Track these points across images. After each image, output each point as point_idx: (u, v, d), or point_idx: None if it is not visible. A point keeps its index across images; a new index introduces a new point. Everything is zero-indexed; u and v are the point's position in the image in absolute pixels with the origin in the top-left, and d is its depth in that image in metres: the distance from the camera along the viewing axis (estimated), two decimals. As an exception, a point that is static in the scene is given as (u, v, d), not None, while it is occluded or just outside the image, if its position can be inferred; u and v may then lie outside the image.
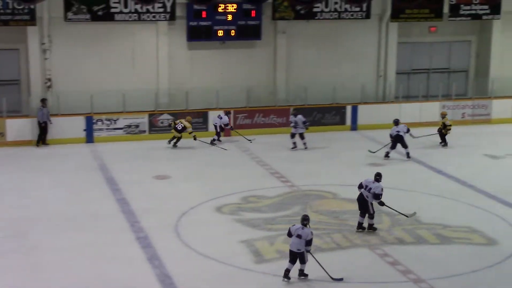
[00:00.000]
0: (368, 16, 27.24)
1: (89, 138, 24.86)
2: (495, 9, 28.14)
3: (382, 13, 27.79)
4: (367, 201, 16.44)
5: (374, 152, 23.44)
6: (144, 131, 25.43)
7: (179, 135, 24.23)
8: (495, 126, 27.61)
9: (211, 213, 17.83)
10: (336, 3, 26.57)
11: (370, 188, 16.41)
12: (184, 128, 24.15)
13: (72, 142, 24.47)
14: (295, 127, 23.96)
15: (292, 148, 23.96)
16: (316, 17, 26.75)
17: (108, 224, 16.97)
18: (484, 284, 14.16)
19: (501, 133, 26.52)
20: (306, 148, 23.93)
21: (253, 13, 26.20)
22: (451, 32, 29.29)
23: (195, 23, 25.89)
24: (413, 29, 28.71)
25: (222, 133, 25.05)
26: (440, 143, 24.68)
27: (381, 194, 16.31)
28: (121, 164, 22.27)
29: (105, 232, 16.47)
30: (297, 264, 14.09)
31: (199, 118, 25.81)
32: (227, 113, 25.27)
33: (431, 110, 27.63)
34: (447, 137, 24.56)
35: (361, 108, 27.14)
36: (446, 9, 27.90)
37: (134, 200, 18.66)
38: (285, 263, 14.23)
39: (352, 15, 27.06)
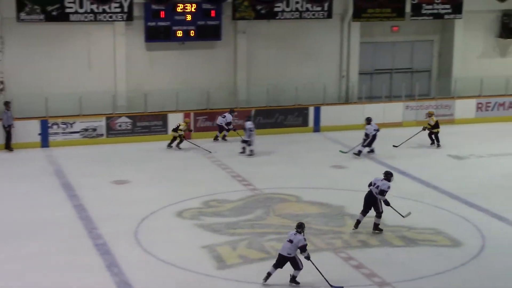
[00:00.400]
0: (329, 15, 27.39)
1: (44, 142, 24.54)
2: (457, 9, 28.51)
3: (344, 13, 27.97)
4: (377, 198, 16.69)
5: (345, 153, 23.68)
6: (102, 135, 25.20)
7: (176, 134, 24.28)
8: (459, 126, 27.96)
9: (172, 218, 17.74)
10: (297, 2, 26.66)
11: (378, 186, 16.68)
12: (178, 127, 24.33)
13: (27, 147, 24.12)
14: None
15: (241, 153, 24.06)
16: (277, 17, 26.81)
17: (64, 231, 16.77)
18: (449, 285, 14.32)
19: (464, 133, 26.87)
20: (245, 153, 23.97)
21: (212, 13, 26.15)
22: (414, 31, 29.60)
23: (153, 24, 25.75)
24: (375, 29, 28.94)
25: (223, 133, 25.36)
26: (432, 144, 25.05)
27: (386, 191, 16.58)
28: (78, 169, 22.04)
29: (62, 240, 16.26)
30: (290, 270, 14.05)
31: (158, 121, 25.67)
32: (231, 112, 25.34)
33: (394, 110, 27.88)
34: (429, 135, 25.06)
35: (324, 109, 27.28)
36: (408, 9, 28.19)
37: (91, 206, 18.47)
38: (248, 269, 14.22)
39: (313, 14, 27.18)
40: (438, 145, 24.93)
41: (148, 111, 25.73)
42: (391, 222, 17.30)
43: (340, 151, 23.88)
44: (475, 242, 16.30)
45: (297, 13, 26.91)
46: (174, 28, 25.87)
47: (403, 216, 17.08)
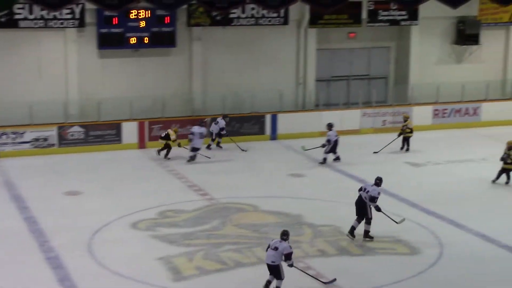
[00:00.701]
0: (286, 22, 27.54)
1: (-7, 153, 24.21)
2: (413, 15, 28.93)
3: (300, 19, 28.15)
4: (366, 204, 16.85)
5: (307, 150, 23.98)
6: (53, 145, 24.91)
7: (163, 142, 24.17)
8: (416, 133, 28.22)
9: (126, 230, 17.61)
10: (253, 9, 26.76)
11: (368, 191, 16.87)
12: (167, 136, 24.11)
13: (-25, 158, 23.76)
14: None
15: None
16: (233, 23, 26.88)
17: (14, 244, 16.53)
18: (407, 294, 14.50)
19: (421, 140, 27.16)
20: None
21: (167, 20, 26.09)
22: (370, 38, 29.93)
23: (106, 30, 25.58)
24: (332, 35, 29.19)
25: (217, 139, 25.46)
26: (402, 148, 25.44)
27: (377, 198, 16.75)
28: (29, 180, 21.75)
29: (11, 253, 16.02)
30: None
31: (112, 130, 25.48)
32: (225, 117, 25.38)
33: (351, 118, 28.12)
34: (405, 140, 25.54)
35: (281, 117, 27.39)
36: (364, 15, 28.51)
37: (43, 218, 18.23)
38: (205, 280, 14.16)
39: (269, 21, 27.31)
40: (408, 150, 25.30)
41: (101, 120, 25.52)
42: (348, 230, 17.42)
43: (302, 148, 24.09)
44: (433, 250, 16.51)
45: (253, 19, 27.01)
46: (128, 34, 25.74)
47: (396, 223, 17.23)
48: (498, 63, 31.50)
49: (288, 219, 18.43)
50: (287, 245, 14.06)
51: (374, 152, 25.11)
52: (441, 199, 20.13)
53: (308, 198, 20.34)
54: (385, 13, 28.70)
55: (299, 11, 27.80)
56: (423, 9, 28.18)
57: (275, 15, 27.16)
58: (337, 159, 23.71)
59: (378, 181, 17.11)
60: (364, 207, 16.95)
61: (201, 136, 24.06)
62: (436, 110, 29.44)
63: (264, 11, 26.80)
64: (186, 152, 24.50)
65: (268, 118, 27.31)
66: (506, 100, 30.85)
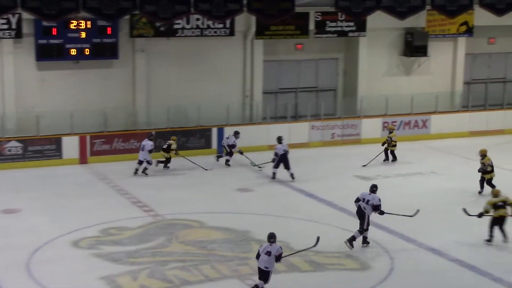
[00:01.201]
0: (232, 33, 27.67)
1: None
2: (361, 26, 29.35)
3: (246, 30, 28.31)
4: (365, 213, 17.38)
5: (256, 165, 24.06)
6: (-11, 161, 24.54)
7: (167, 155, 24.39)
8: (365, 146, 28.64)
9: (67, 248, 17.40)
10: (198, 19, 26.80)
11: (368, 200, 17.39)
12: (169, 147, 24.33)
13: None
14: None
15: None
16: (177, 34, 26.88)
17: (-52, 266, 16.20)
18: (358, 310, 14.63)
19: (371, 153, 27.47)
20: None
21: (109, 30, 25.96)
22: (318, 49, 30.24)
23: (44, 41, 25.33)
24: (279, 47, 29.42)
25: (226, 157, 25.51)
26: (385, 160, 25.97)
27: (380, 205, 17.41)
28: (-37, 198, 21.35)
29: None
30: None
31: (52, 145, 25.18)
32: (236, 133, 25.48)
33: (300, 131, 28.33)
34: (390, 153, 26.05)
35: (228, 131, 27.40)
36: (312, 26, 28.81)
37: (-22, 238, 17.91)
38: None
39: (215, 32, 27.39)
40: (394, 160, 25.94)
41: (40, 135, 25.20)
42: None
43: (252, 164, 24.18)
44: (383, 264, 16.70)
45: (198, 30, 27.06)
46: (68, 46, 25.53)
47: (411, 216, 17.83)
48: (447, 74, 32.13)
49: (235, 235, 18.45)
50: (278, 247, 14.62)
51: (363, 166, 25.40)
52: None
53: (256, 213, 20.40)
54: (333, 24, 29.05)
55: (245, 22, 27.95)
56: (371, 20, 28.60)
57: (220, 26, 27.26)
58: (291, 176, 23.62)
59: (375, 189, 17.72)
60: (362, 216, 17.52)
61: (150, 149, 23.96)
62: (385, 122, 29.83)
63: (210, 22, 26.86)
64: (129, 167, 24.37)
65: (214, 132, 27.33)
66: (454, 112, 31.47)
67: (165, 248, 17.45)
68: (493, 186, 21.63)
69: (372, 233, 18.71)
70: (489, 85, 33.53)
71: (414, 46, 30.64)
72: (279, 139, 23.80)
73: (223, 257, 16.90)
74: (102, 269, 16.09)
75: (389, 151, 26.22)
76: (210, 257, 16.88)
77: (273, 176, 23.66)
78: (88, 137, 25.63)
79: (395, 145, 26.13)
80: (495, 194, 18.37)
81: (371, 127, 29.53)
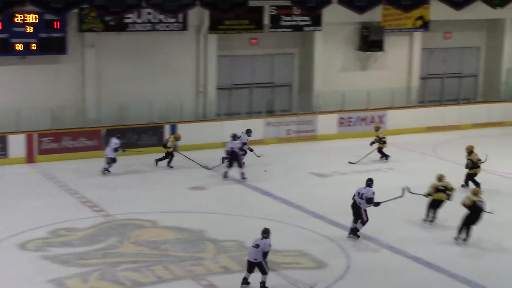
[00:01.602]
0: (185, 27, 27.54)
1: None
2: (316, 21, 29.45)
3: (199, 25, 28.20)
4: (361, 208, 17.99)
5: (209, 169, 23.92)
6: None
7: (165, 150, 24.60)
8: (321, 143, 28.79)
9: (13, 251, 17.14)
10: (149, 13, 26.61)
11: (363, 194, 18.01)
12: (167, 143, 24.61)
13: None
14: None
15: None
16: (128, 29, 26.66)
17: None
18: (314, 309, 14.67)
19: (327, 150, 27.70)
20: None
21: (56, 25, 25.60)
22: (273, 44, 30.27)
23: (-12, 36, 24.95)
24: (233, 42, 29.37)
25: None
26: (381, 157, 25.79)
27: (373, 198, 17.94)
28: None
29: None
30: (259, 276, 14.91)
31: (-2, 144, 24.85)
32: (248, 132, 25.03)
33: (255, 127, 28.23)
34: (379, 151, 25.88)
35: (181, 128, 27.27)
36: (266, 20, 28.82)
37: None
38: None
39: (167, 26, 27.23)
40: (387, 158, 25.89)
41: (-15, 133, 24.82)
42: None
43: (205, 167, 24.15)
44: (340, 262, 16.78)
45: (149, 25, 26.87)
46: (13, 40, 25.13)
47: (401, 196, 18.73)
48: (403, 69, 32.44)
49: (189, 234, 18.37)
50: (268, 243, 14.97)
51: (351, 163, 25.41)
52: (348, 210, 20.45)
53: (211, 212, 20.34)
54: (288, 18, 29.11)
55: (198, 16, 27.84)
56: (326, 15, 28.78)
57: (173, 20, 27.12)
58: (241, 175, 23.55)
59: (370, 182, 18.31)
60: (358, 211, 18.03)
61: (116, 148, 23.80)
62: (341, 118, 30.01)
63: (162, 16, 26.69)
64: (78, 166, 24.14)
65: (167, 129, 27.17)
66: (411, 107, 31.80)
67: (116, 249, 17.30)
68: (477, 183, 22.14)
69: (328, 230, 18.82)
70: (445, 80, 33.96)
71: (370, 41, 30.86)
72: (234, 137, 23.70)
73: (177, 257, 16.82)
74: (50, 271, 15.89)
75: (380, 149, 25.98)
76: (163, 258, 16.78)
77: (225, 175, 23.52)
78: (35, 135, 25.29)
79: (385, 142, 25.95)
80: (440, 178, 19.51)
81: (327, 123, 29.66)
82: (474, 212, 17.93)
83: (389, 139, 27.55)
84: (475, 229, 18.23)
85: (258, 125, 28.38)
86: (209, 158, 25.09)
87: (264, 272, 15.03)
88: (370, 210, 18.28)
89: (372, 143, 25.98)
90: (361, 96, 30.42)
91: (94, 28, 26.22)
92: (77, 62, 26.72)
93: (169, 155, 24.75)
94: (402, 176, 24.22)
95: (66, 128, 25.98)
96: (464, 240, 18.17)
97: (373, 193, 18.07)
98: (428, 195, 19.44)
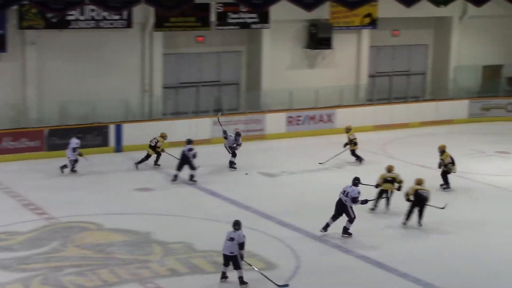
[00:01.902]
0: (129, 25, 27.28)
1: None
2: (264, 18, 29.46)
3: (145, 22, 27.96)
4: (346, 206, 18.26)
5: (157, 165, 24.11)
6: None
7: (153, 152, 24.27)
8: (270, 142, 28.81)
9: (-48, 257, 16.78)
10: (93, 10, 26.28)
11: (348, 192, 18.30)
12: (156, 143, 24.30)
13: None
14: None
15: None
16: (71, 26, 26.30)
17: None
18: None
19: (275, 149, 27.73)
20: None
21: (-5, 21, 25.19)
22: (220, 42, 30.19)
23: None
24: (179, 39, 29.21)
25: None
26: (356, 160, 25.55)
27: (358, 197, 18.22)
28: None
29: None
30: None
31: None
32: (237, 134, 24.92)
33: (202, 127, 28.20)
34: (352, 153, 25.61)
35: (126, 127, 27.05)
36: (213, 18, 28.74)
37: None
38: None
39: (111, 23, 26.94)
40: (361, 160, 25.64)
41: None
42: (201, 247, 17.45)
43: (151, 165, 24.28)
44: (289, 263, 16.79)
45: (93, 22, 26.56)
46: (-50, 38, 24.64)
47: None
48: (351, 67, 32.67)
49: (136, 237, 18.20)
50: (241, 234, 15.24)
51: (320, 163, 25.28)
52: (297, 210, 20.55)
53: (157, 214, 20.18)
54: (235, 15, 29.07)
55: (143, 14, 27.61)
56: (274, 12, 28.84)
57: (117, 17, 26.84)
58: (190, 177, 23.33)
59: (357, 181, 18.66)
60: (345, 209, 18.28)
61: (74, 147, 23.52)
62: (290, 117, 30.09)
63: (105, 13, 26.39)
64: (19, 167, 23.75)
65: (112, 129, 26.90)
66: (359, 106, 32.04)
67: (59, 253, 17.04)
68: (446, 182, 22.51)
69: (277, 231, 18.84)
70: (393, 78, 34.31)
71: (318, 39, 31.00)
72: (188, 141, 23.46)
73: (122, 260, 16.64)
74: (-10, 277, 15.59)
75: (353, 152, 25.64)
76: (109, 261, 16.58)
77: (174, 178, 23.28)
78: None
79: (356, 144, 25.56)
80: (389, 169, 20.53)
81: (276, 122, 29.71)
82: (417, 201, 18.94)
83: (338, 138, 27.78)
84: (426, 229, 18.43)
85: (205, 125, 28.29)
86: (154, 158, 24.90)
87: (238, 267, 15.24)
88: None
89: (346, 144, 25.78)
90: (309, 94, 30.55)
91: (35, 25, 25.80)
92: (17, 60, 26.27)
93: (149, 156, 24.49)
94: (351, 176, 24.34)
95: (6, 128, 25.54)
96: (419, 224, 19.14)
97: (359, 193, 18.33)
98: (377, 185, 20.23)
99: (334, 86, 31.42)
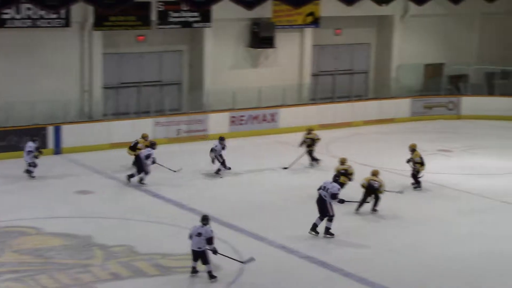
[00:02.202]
0: (67, 24, 26.97)
1: None
2: (206, 17, 29.43)
3: (83, 21, 27.67)
4: (326, 202, 18.31)
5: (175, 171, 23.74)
6: None
7: (132, 153, 23.61)
8: (213, 142, 28.71)
9: None
10: (29, 9, 25.90)
11: (328, 188, 18.32)
12: (136, 145, 23.66)
13: None
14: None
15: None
16: (6, 25, 25.87)
17: None
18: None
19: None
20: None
21: None
22: (161, 41, 30.06)
23: None
24: (119, 39, 28.99)
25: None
26: (313, 160, 25.48)
27: (338, 194, 18.36)
28: None
29: None
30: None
31: None
32: (221, 140, 24.42)
33: (143, 127, 27.96)
34: (309, 154, 25.56)
35: (65, 129, 26.74)
36: (154, 17, 28.60)
37: None
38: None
39: (49, 23, 26.60)
40: (318, 161, 25.62)
41: None
42: (143, 249, 17.36)
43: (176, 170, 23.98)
44: (233, 264, 16.76)
45: (29, 21, 26.18)
46: None
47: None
48: (294, 66, 32.86)
49: (76, 241, 18.01)
50: (209, 229, 15.51)
51: (284, 168, 25.10)
52: (241, 211, 20.59)
53: (98, 216, 20.00)
54: (176, 14, 29.00)
55: (82, 12, 27.35)
56: (216, 11, 28.84)
57: (55, 16, 26.50)
58: (141, 179, 23.12)
59: (337, 178, 19.36)
60: (324, 206, 18.34)
61: (28, 151, 23.20)
62: (233, 117, 30.12)
63: (43, 12, 26.04)
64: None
65: (50, 131, 26.56)
66: (303, 105, 32.23)
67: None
68: (417, 180, 22.96)
69: (221, 232, 18.79)
70: (337, 76, 34.61)
71: (261, 38, 31.11)
72: (152, 144, 23.37)
73: (63, 265, 16.45)
74: None
75: (310, 153, 25.58)
76: (48, 266, 16.38)
77: (128, 178, 23.15)
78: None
79: (311, 145, 25.47)
80: (342, 161, 21.79)
81: (219, 122, 29.70)
82: (369, 191, 20.25)
83: (281, 137, 27.95)
84: (368, 229, 18.64)
85: (146, 125, 28.11)
86: (96, 160, 24.66)
87: (206, 262, 15.55)
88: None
89: (304, 144, 25.67)
90: (252, 94, 30.63)
91: (-31, 25, 25.37)
92: None
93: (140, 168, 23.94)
94: (295, 176, 24.55)
95: None
96: (374, 210, 20.40)
97: (339, 189, 18.58)
98: (335, 179, 20.25)
99: (277, 86, 31.56)
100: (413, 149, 23.22)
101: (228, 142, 28.34)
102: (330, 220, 18.51)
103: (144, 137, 24.36)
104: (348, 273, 16.55)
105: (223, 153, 24.39)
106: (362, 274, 16.44)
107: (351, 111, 32.81)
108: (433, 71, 35.96)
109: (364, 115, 32.95)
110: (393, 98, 34.10)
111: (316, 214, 18.66)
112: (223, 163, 24.29)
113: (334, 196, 18.42)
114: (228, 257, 16.13)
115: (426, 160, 23.19)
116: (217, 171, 24.22)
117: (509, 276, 16.84)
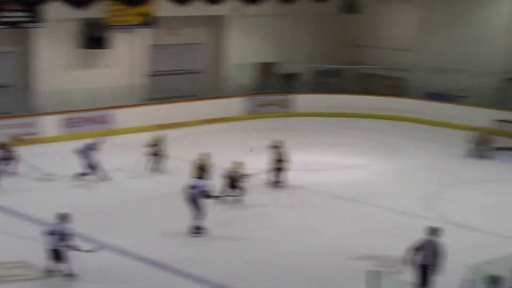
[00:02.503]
0: None
1: None
2: (37, 17, 28.81)
3: None
4: (196, 199, 18.65)
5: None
6: None
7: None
8: (45, 146, 28.25)
9: None
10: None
11: (197, 186, 18.79)
12: None
13: None
14: None
15: None
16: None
17: None
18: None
19: (52, 153, 27.15)
20: None
21: None
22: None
23: None
24: None
25: None
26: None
27: (210, 191, 18.88)
28: None
29: None
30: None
31: None
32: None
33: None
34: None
35: None
36: (-19, 16, 27.77)
37: None
38: None
39: None
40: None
41: None
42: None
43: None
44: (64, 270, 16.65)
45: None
46: None
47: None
48: (129, 67, 32.76)
49: None
50: (65, 227, 15.75)
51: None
52: (75, 215, 20.31)
53: None
54: (5, 14, 28.23)
55: None
56: (49, 11, 28.33)
57: None
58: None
59: (202, 177, 20.08)
60: (195, 203, 18.69)
61: None
62: (67, 119, 29.68)
63: None
64: None
65: None
66: (138, 105, 32.22)
67: None
68: (279, 179, 23.49)
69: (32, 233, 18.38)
70: (172, 76, 34.82)
71: (94, 38, 30.85)
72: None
73: None
74: None
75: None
76: None
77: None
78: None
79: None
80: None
81: (52, 125, 29.20)
82: (231, 181, 21.67)
83: (117, 139, 27.78)
84: (212, 231, 19.08)
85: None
86: None
87: (64, 261, 15.77)
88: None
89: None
90: (87, 95, 30.31)
91: None
92: None
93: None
94: (133, 178, 24.57)
95: None
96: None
97: (212, 186, 19.11)
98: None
99: (112, 86, 31.40)
100: (275, 146, 23.82)
101: (62, 145, 28.08)
102: (201, 218, 18.89)
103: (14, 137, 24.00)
104: (186, 274, 16.76)
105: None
106: (200, 274, 16.68)
107: (186, 110, 33.07)
108: (265, 70, 36.83)
109: (198, 114, 33.29)
110: (227, 97, 34.68)
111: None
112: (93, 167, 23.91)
113: (206, 194, 18.82)
114: (82, 250, 16.23)
115: (256, 158, 23.85)
116: (82, 174, 23.90)
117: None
